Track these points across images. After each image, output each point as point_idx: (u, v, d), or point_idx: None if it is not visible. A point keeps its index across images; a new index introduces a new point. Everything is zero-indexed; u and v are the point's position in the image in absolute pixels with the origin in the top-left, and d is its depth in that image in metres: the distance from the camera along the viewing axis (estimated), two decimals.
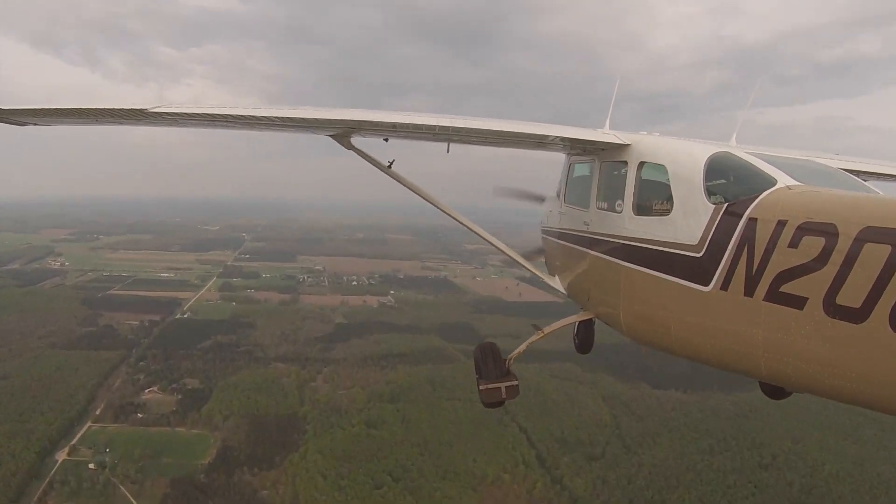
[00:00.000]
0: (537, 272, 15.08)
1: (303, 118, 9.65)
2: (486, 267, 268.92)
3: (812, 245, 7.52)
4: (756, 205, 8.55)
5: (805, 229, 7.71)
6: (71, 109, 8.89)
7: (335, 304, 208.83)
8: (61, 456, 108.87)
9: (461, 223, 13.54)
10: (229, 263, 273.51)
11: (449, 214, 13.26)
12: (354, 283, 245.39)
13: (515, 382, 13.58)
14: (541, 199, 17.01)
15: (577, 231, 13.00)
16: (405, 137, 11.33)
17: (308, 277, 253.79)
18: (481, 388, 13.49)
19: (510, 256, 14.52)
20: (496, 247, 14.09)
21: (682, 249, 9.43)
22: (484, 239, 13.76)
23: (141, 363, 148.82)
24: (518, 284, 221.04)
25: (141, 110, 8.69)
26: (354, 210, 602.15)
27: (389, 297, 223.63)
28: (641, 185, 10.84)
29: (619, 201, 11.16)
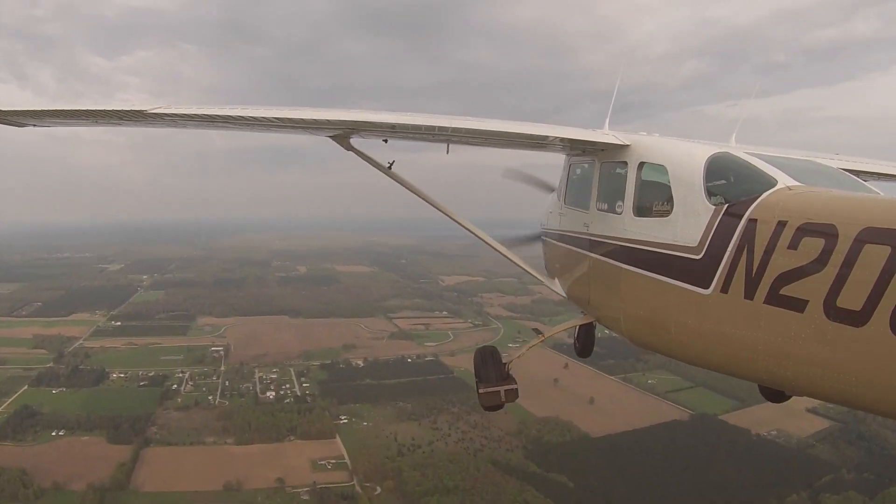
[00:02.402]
0: (537, 275, 14.54)
1: (302, 119, 9.30)
2: (482, 315, 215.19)
3: (812, 246, 7.22)
4: (756, 206, 8.24)
5: (805, 230, 7.41)
6: (71, 111, 8.60)
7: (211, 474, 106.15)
8: None
9: (462, 225, 12.92)
10: (80, 343, 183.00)
11: (449, 216, 12.76)
12: (269, 383, 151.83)
13: (515, 386, 13.03)
14: (550, 189, 15.94)
15: (576, 233, 12.54)
16: (404, 138, 10.92)
17: (184, 375, 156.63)
18: (480, 391, 13.08)
19: (511, 259, 13.82)
20: (497, 250, 13.58)
21: (682, 251, 9.05)
22: (486, 243, 13.24)
23: None
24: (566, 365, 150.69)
25: (141, 111, 8.49)
26: (302, 228, 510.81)
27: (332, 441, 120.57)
28: (641, 185, 10.37)
29: (619, 202, 10.71)
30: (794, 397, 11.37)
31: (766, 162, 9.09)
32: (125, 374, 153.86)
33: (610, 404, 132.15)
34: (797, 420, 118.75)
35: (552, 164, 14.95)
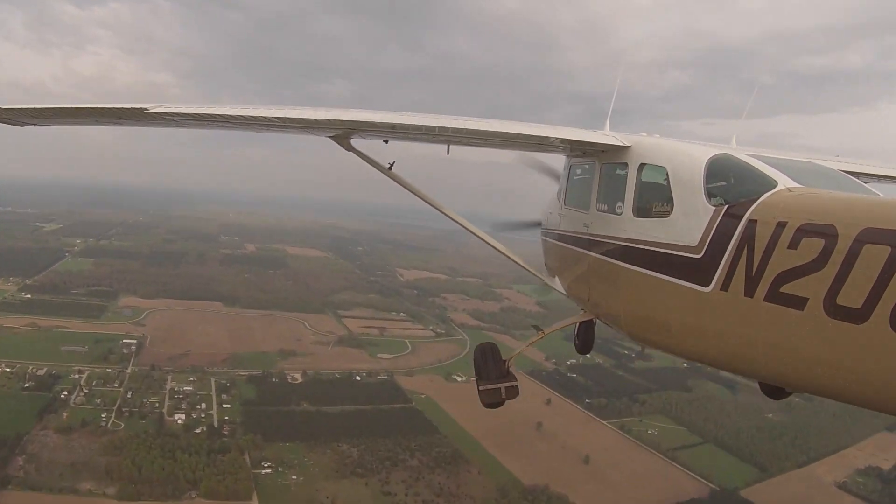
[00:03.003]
0: (537, 273, 14.56)
1: (302, 119, 9.15)
2: (444, 322, 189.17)
3: (812, 246, 7.20)
4: (756, 207, 8.22)
5: (805, 231, 7.39)
6: (72, 109, 8.63)
7: None
8: None
9: (462, 225, 12.81)
10: None
11: (450, 217, 12.66)
12: (181, 398, 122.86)
13: (515, 383, 13.17)
14: (538, 225, 15.94)
15: (577, 233, 12.44)
16: (405, 139, 10.84)
17: (80, 377, 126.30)
18: (480, 388, 13.16)
19: (511, 258, 13.71)
20: (496, 248, 13.38)
21: (682, 251, 9.02)
22: (485, 242, 13.18)
23: None
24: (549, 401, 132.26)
25: (142, 110, 8.35)
26: (262, 204, 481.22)
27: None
28: (642, 186, 10.36)
29: (620, 203, 10.67)
30: (792, 394, 11.63)
31: (767, 163, 9.00)
32: (12, 368, 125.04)
33: (610, 468, 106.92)
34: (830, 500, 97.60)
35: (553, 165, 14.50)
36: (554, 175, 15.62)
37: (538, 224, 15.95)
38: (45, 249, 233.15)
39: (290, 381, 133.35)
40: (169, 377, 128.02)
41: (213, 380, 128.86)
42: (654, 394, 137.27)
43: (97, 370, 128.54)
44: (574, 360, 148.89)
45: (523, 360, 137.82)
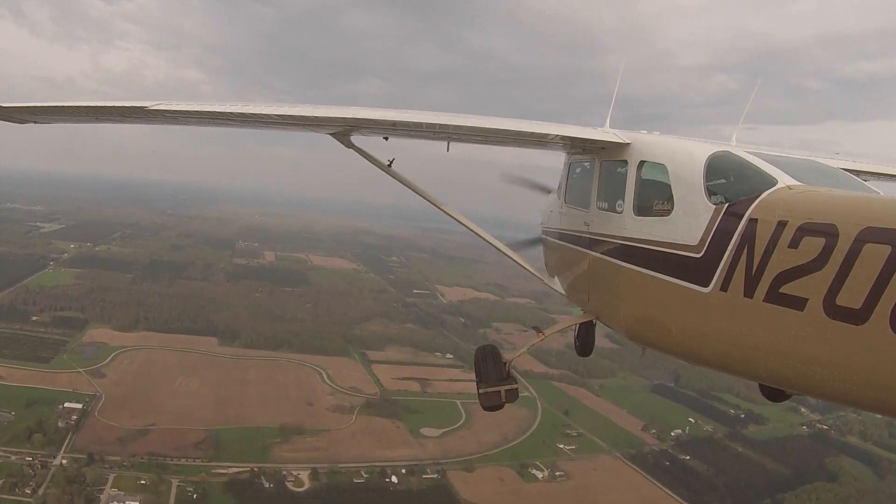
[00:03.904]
0: (536, 273, 13.88)
1: (302, 116, 8.90)
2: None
3: (812, 245, 7.05)
4: (756, 205, 7.98)
5: (805, 230, 7.23)
6: (72, 107, 8.47)
7: None
8: None
9: (461, 223, 12.47)
10: None
11: (449, 214, 12.28)
12: None
13: (515, 386, 12.71)
14: (547, 191, 15.45)
15: (577, 231, 12.01)
16: (405, 136, 10.60)
17: None
18: (480, 391, 12.60)
19: (514, 259, 13.28)
20: (496, 247, 12.95)
21: (682, 250, 8.76)
22: (484, 240, 12.64)
23: None
24: None
25: (141, 108, 8.20)
26: (288, 205, 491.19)
27: None
28: (642, 184, 9.98)
29: (620, 201, 10.28)
30: (792, 396, 11.22)
31: (767, 161, 8.73)
32: None
33: None
34: None
35: (553, 167, 14.60)
36: (542, 189, 15.69)
37: (547, 190, 15.48)
38: (29, 257, 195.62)
39: (290, 485, 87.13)
40: (111, 476, 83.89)
41: (174, 483, 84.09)
42: (797, 490, 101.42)
43: (12, 459, 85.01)
44: (679, 431, 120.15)
45: (616, 438, 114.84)
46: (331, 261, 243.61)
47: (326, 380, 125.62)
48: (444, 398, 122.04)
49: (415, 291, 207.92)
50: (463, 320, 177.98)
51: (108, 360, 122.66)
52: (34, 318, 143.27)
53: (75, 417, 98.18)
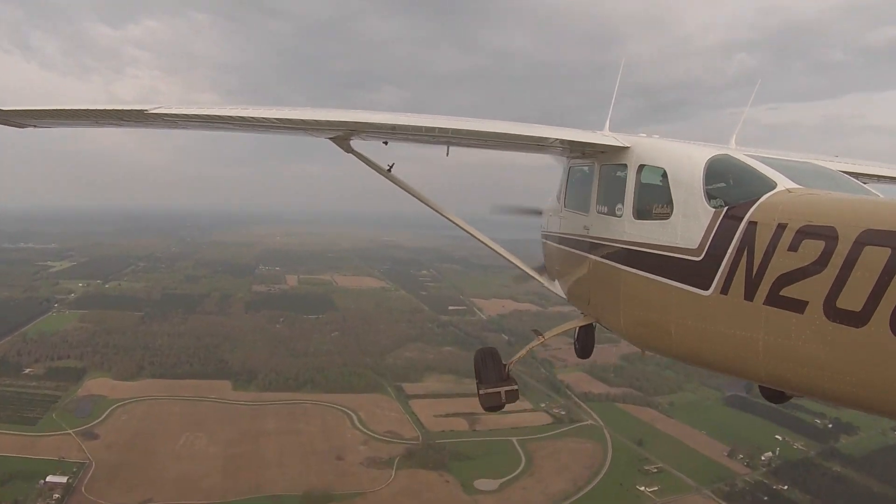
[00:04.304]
0: (537, 277, 13.78)
1: (302, 119, 8.86)
2: (559, 391, 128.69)
3: (812, 248, 7.08)
4: (756, 208, 8.02)
5: (805, 233, 7.26)
6: (71, 111, 8.32)
7: None
8: None
9: (462, 228, 12.35)
10: None
11: (449, 219, 12.28)
12: None
13: (515, 387, 12.76)
14: (538, 213, 15.54)
15: (577, 235, 12.07)
16: (405, 140, 10.45)
17: None
18: (481, 392, 12.67)
19: (513, 263, 13.16)
20: (497, 252, 12.70)
21: (681, 253, 8.80)
22: (484, 244, 12.58)
23: None
24: None
25: (141, 111, 8.17)
26: (311, 222, 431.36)
27: None
28: (641, 188, 10.03)
29: (619, 205, 10.33)
30: (792, 397, 11.07)
31: (766, 164, 8.78)
32: None
33: None
34: None
35: (553, 167, 14.85)
36: (533, 213, 15.69)
37: (537, 212, 15.57)
38: (32, 300, 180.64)
39: None
40: None
41: None
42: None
43: None
44: (770, 454, 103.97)
45: (702, 470, 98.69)
46: (357, 280, 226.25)
47: (358, 424, 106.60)
48: (496, 436, 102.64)
49: (450, 308, 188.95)
50: (506, 337, 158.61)
51: (104, 416, 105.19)
52: (27, 370, 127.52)
53: (57, 496, 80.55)
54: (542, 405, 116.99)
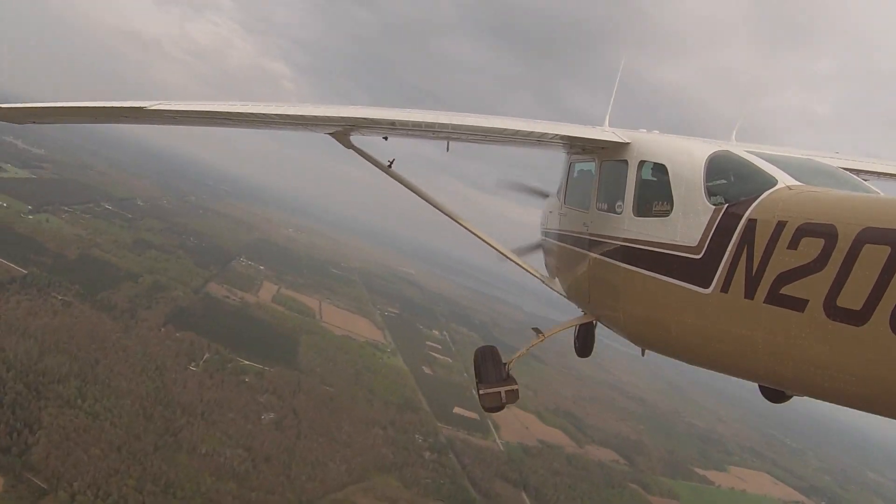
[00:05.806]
0: (536, 274, 13.67)
1: (301, 115, 8.86)
2: None
3: (812, 246, 6.99)
4: (756, 205, 7.89)
5: (805, 230, 7.15)
6: (71, 108, 8.40)
7: None
8: None
9: (461, 224, 12.22)
10: None
11: (449, 216, 12.19)
12: None
13: (515, 387, 12.07)
14: (544, 195, 15.31)
15: (576, 233, 11.89)
16: (405, 136, 10.52)
17: None
18: (481, 392, 12.02)
19: (510, 259, 13.05)
20: (496, 249, 12.73)
21: (682, 251, 8.67)
22: (483, 241, 12.55)
23: None
24: None
25: (140, 108, 8.07)
26: (340, 225, 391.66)
27: None
28: (641, 185, 9.81)
29: (619, 202, 10.15)
30: (792, 397, 10.65)
31: (767, 161, 8.60)
32: None
33: None
34: None
35: (554, 165, 14.61)
36: (539, 193, 15.56)
37: (544, 194, 15.32)
38: None
39: None
40: None
41: None
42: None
43: None
44: None
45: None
46: (349, 319, 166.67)
47: None
48: None
49: (456, 411, 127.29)
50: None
51: None
52: None
53: None
54: None
